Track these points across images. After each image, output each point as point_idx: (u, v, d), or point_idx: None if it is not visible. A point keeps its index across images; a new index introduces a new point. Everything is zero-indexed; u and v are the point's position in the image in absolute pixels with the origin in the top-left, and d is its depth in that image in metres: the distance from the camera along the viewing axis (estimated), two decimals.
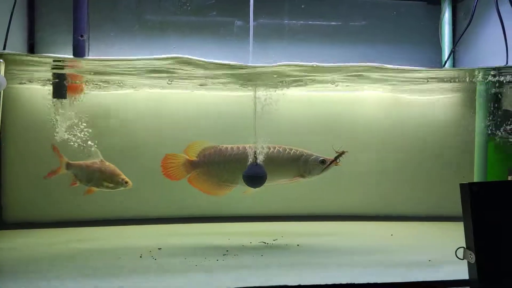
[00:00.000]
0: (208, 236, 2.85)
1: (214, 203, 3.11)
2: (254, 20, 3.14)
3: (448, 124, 3.30)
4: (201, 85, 2.94)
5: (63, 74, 2.46)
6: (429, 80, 2.69)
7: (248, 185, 2.57)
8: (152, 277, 1.95)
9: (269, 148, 2.47)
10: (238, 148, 2.48)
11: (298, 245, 2.56)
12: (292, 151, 2.49)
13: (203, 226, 3.12)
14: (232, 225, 3.16)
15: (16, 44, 2.77)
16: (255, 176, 2.51)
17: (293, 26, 3.31)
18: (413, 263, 2.16)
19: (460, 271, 1.81)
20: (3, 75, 2.06)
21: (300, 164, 2.45)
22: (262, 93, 2.71)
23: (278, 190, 3.04)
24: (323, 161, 2.45)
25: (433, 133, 3.31)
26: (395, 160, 3.33)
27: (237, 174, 2.44)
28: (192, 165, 2.45)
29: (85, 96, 2.65)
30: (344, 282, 1.80)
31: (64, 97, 2.60)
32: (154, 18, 3.07)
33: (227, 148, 2.48)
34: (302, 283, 1.78)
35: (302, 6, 3.22)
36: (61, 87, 2.59)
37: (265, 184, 2.43)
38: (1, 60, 2.08)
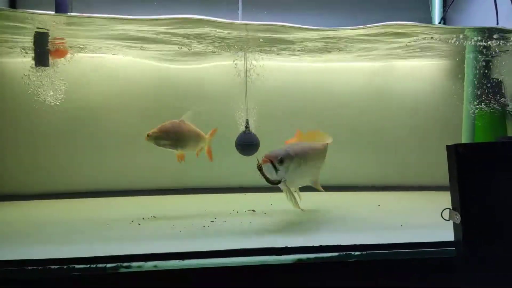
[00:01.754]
0: (200, 205, 2.85)
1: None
2: None
3: (436, 91, 3.30)
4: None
5: (45, 37, 2.38)
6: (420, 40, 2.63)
7: (241, 153, 2.56)
8: (138, 242, 1.95)
9: None
10: None
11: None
12: None
13: (198, 197, 3.13)
14: (228, 195, 3.16)
15: None
16: (247, 144, 2.50)
17: None
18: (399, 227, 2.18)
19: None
20: None
21: None
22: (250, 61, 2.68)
23: None
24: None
25: (422, 100, 3.31)
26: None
27: None
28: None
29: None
30: (331, 243, 1.80)
31: (47, 65, 2.53)
32: None
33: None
34: (289, 245, 1.78)
35: None
36: (44, 54, 2.51)
37: None
38: None
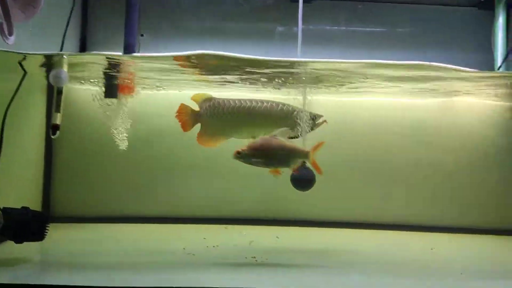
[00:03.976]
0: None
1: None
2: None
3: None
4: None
5: (114, 74, 2.54)
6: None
7: (297, 189, 2.54)
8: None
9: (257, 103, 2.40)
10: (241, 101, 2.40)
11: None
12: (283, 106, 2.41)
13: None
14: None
15: (68, 45, 2.90)
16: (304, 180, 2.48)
17: (338, 33, 3.29)
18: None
19: None
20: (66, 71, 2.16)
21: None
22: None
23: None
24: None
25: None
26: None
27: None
28: (196, 117, 2.43)
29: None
30: None
31: (115, 97, 2.68)
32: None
33: (229, 101, 2.40)
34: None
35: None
36: (112, 87, 2.67)
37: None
38: (65, 56, 2.17)
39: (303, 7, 2.80)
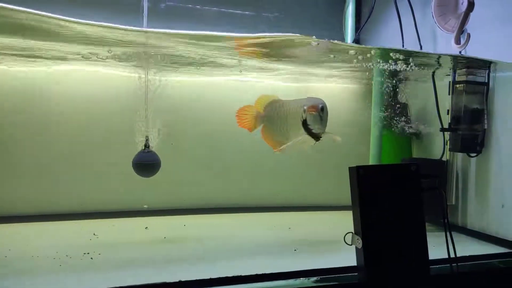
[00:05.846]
0: None
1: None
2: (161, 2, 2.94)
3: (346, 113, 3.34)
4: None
5: None
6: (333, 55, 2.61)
7: (139, 175, 2.36)
8: None
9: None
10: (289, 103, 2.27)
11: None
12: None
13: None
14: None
15: None
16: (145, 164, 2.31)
17: (203, 12, 3.14)
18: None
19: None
20: None
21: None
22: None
23: None
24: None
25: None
26: None
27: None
28: (259, 118, 2.32)
29: None
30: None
31: None
32: None
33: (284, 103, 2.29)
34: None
35: None
36: None
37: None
38: None
39: None
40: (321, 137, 2.06)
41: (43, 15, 1.78)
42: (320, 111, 1.99)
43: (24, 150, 2.72)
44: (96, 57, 2.48)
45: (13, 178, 2.73)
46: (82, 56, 2.48)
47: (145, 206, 2.89)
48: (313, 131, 2.03)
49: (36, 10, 1.77)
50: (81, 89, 2.82)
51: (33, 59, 2.57)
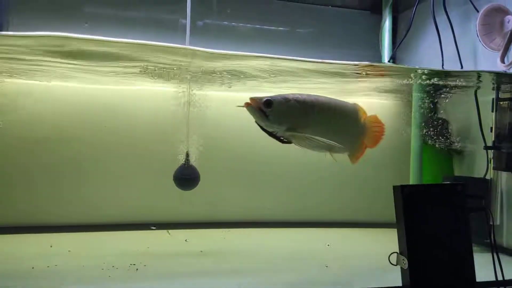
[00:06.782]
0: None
1: None
2: (199, 20, 3.02)
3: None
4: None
5: None
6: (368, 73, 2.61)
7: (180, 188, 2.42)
8: None
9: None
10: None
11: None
12: None
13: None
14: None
15: None
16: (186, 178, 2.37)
17: (239, 29, 3.21)
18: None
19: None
20: None
21: None
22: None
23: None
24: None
25: None
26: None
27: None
28: None
29: None
30: None
31: None
32: None
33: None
34: None
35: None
36: None
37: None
38: None
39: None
40: (286, 140, 1.63)
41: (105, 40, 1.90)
42: (264, 106, 1.49)
43: (89, 163, 2.88)
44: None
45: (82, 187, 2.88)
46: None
47: (152, 227, 2.95)
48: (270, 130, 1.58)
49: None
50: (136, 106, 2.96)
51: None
